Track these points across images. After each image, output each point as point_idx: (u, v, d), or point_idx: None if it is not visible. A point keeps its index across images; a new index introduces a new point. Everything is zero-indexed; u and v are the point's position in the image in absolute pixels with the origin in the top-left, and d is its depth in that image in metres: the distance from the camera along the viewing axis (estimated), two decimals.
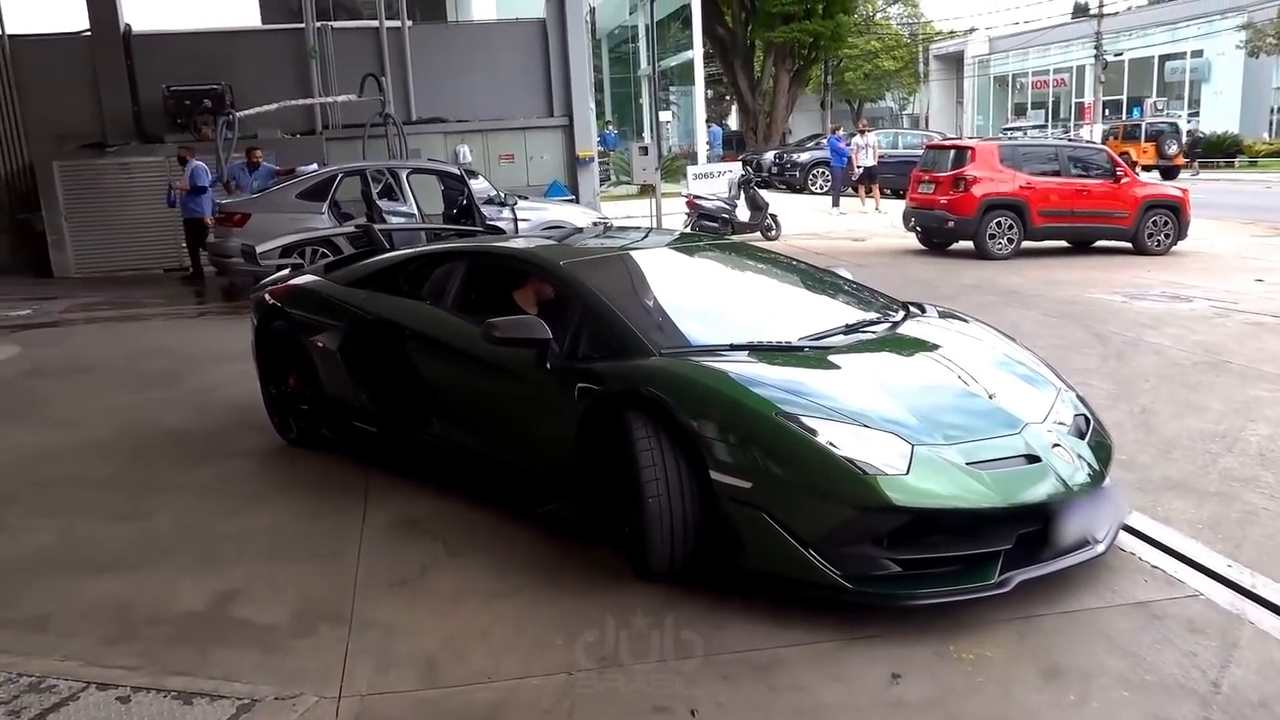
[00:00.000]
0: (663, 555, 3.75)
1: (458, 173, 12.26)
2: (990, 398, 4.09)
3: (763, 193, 17.84)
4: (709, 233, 16.29)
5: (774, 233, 16.76)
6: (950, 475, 3.57)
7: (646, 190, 18.58)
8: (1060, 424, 4.11)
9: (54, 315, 11.64)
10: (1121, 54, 43.40)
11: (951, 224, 14.31)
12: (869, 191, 21.63)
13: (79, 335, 10.36)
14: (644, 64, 34.09)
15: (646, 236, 6.26)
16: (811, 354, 4.25)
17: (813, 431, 3.58)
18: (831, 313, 4.83)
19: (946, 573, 3.56)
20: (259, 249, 7.07)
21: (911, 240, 15.55)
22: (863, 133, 21.96)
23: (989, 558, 3.58)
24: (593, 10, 21.53)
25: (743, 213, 16.80)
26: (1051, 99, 49.81)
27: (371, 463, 5.46)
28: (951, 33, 57.61)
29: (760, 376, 3.89)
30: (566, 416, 4.15)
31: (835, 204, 21.39)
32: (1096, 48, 40.85)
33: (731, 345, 4.21)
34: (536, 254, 5.23)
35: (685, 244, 5.85)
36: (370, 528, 4.63)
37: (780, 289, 5.31)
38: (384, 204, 11.80)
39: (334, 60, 17.27)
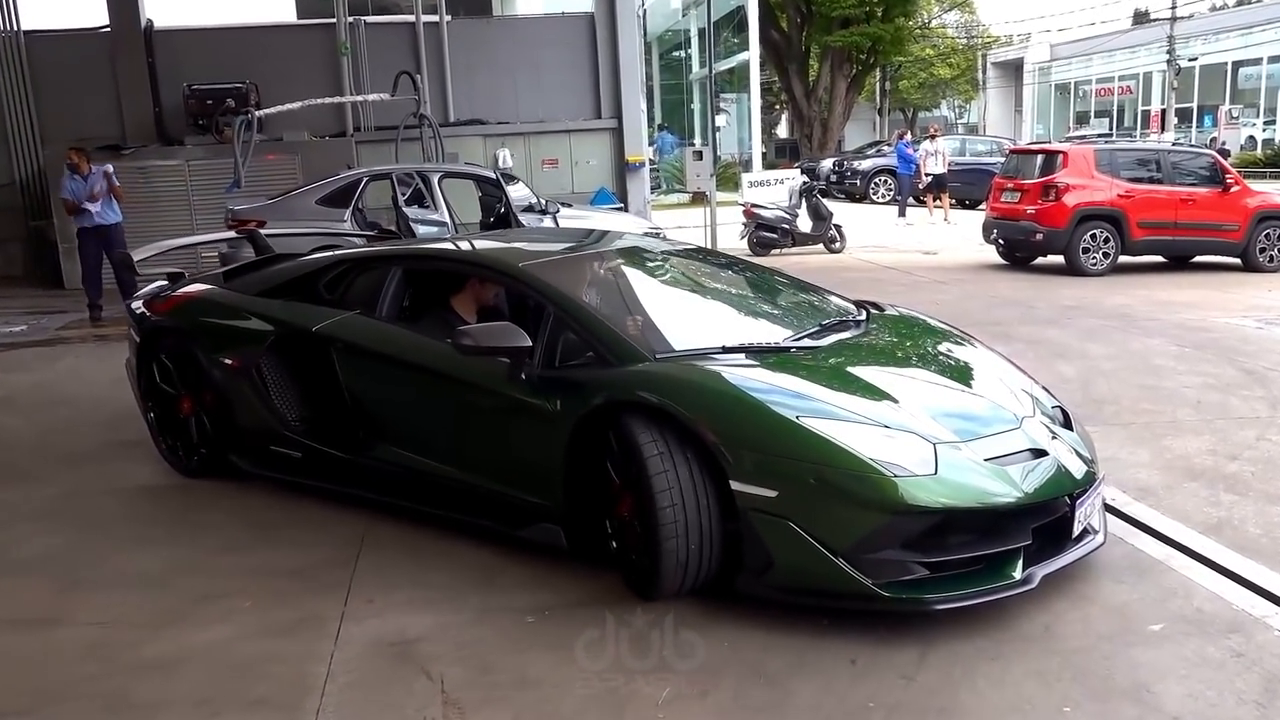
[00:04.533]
0: (676, 574, 3.46)
1: (494, 178, 11.18)
2: (981, 393, 4.03)
3: (826, 202, 16.52)
4: (767, 244, 15.21)
5: (838, 245, 15.52)
6: (975, 473, 3.48)
7: (699, 198, 17.33)
8: (1049, 416, 4.05)
9: (50, 332, 10.56)
10: (1195, 59, 41.40)
11: (1040, 236, 12.87)
12: (937, 201, 20.17)
13: (69, 357, 9.24)
14: (696, 68, 32.94)
15: (588, 239, 5.87)
16: (806, 356, 4.03)
17: (838, 436, 3.39)
18: (801, 314, 4.71)
19: (972, 573, 3.43)
20: (135, 256, 6.26)
21: (989, 253, 14.17)
22: (932, 138, 20.41)
23: (1010, 555, 3.48)
24: (644, 12, 20.32)
25: (804, 223, 15.53)
26: (1116, 107, 47.84)
27: (367, 524, 4.42)
28: (1010, 39, 55.85)
29: (769, 380, 3.67)
30: (549, 430, 3.81)
31: (901, 214, 19.97)
32: (1169, 53, 38.95)
33: (724, 348, 3.94)
34: (488, 256, 4.90)
35: (631, 246, 5.32)
36: (344, 653, 3.37)
37: (740, 291, 5.06)
38: (413, 211, 10.71)
39: (367, 57, 16.17)
